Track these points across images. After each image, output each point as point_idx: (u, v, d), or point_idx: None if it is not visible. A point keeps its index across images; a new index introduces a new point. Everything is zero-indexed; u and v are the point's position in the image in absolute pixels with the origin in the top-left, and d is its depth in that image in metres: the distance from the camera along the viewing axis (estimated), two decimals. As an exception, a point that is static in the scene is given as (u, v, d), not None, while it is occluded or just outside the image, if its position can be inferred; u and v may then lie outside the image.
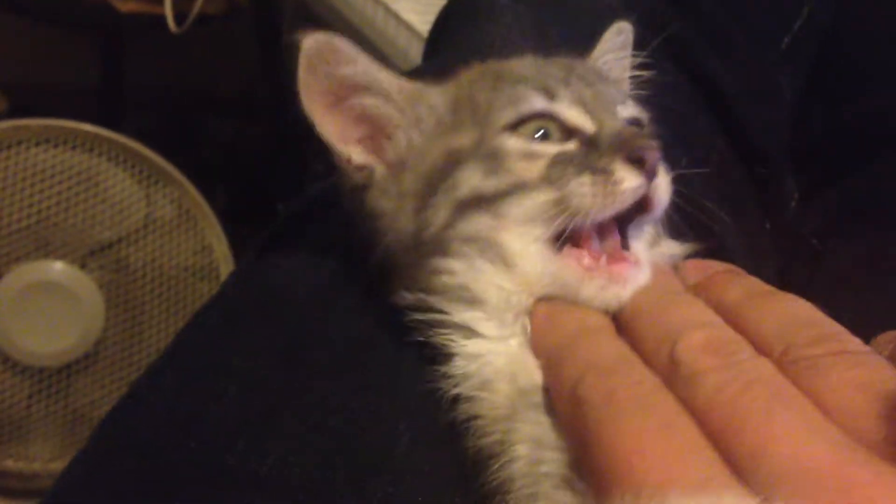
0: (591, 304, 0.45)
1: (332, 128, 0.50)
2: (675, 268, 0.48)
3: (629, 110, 0.51)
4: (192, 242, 1.43)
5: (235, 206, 1.96)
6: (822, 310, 0.40)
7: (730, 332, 0.39)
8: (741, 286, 0.43)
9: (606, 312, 0.45)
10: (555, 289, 0.46)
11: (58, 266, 1.38)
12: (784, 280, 0.70)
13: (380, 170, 0.51)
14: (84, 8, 1.90)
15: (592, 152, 0.46)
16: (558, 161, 0.46)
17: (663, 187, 0.47)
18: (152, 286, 1.41)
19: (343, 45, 0.49)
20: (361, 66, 0.49)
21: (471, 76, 0.53)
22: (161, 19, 1.75)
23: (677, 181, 0.49)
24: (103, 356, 1.40)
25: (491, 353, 0.46)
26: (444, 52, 0.76)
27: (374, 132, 0.51)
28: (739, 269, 0.46)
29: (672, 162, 0.51)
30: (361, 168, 0.51)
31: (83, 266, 1.39)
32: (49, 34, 2.08)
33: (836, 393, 0.34)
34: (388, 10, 1.30)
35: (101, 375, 1.40)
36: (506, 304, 0.46)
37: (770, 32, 0.81)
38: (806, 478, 0.31)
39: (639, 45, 0.59)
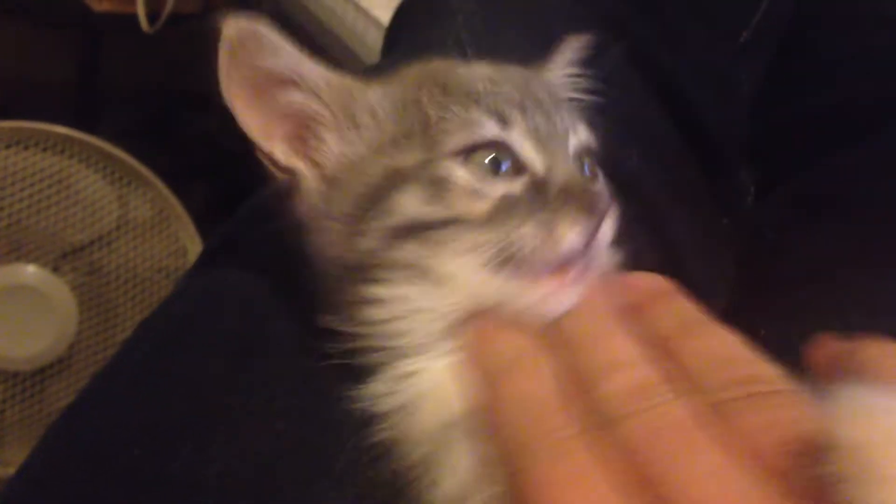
0: (523, 315, 0.43)
1: (253, 122, 0.46)
2: (618, 279, 0.46)
3: (581, 136, 0.49)
4: (166, 244, 1.42)
5: (214, 205, 1.94)
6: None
7: (652, 373, 0.39)
8: (674, 315, 0.43)
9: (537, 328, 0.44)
10: (489, 300, 0.44)
11: (30, 269, 1.37)
12: (742, 274, 0.70)
13: (310, 178, 0.47)
14: (59, 7, 1.89)
15: (540, 198, 0.44)
16: (505, 203, 0.43)
17: (606, 234, 0.45)
18: (126, 288, 1.40)
19: (267, 32, 0.45)
20: (287, 56, 0.46)
21: (416, 79, 0.49)
22: (137, 19, 1.74)
23: (628, 179, 0.49)
24: (77, 359, 1.39)
25: (417, 374, 0.45)
26: (399, 49, 0.75)
27: (302, 131, 0.48)
28: (675, 290, 0.45)
29: (623, 158, 0.51)
30: (287, 170, 0.48)
31: (56, 269, 1.38)
32: (24, 33, 2.07)
33: (746, 437, 0.35)
34: (357, 7, 1.29)
35: (76, 379, 1.39)
36: (434, 327, 0.44)
37: (728, 27, 0.80)
38: None
39: (595, 44, 0.58)
